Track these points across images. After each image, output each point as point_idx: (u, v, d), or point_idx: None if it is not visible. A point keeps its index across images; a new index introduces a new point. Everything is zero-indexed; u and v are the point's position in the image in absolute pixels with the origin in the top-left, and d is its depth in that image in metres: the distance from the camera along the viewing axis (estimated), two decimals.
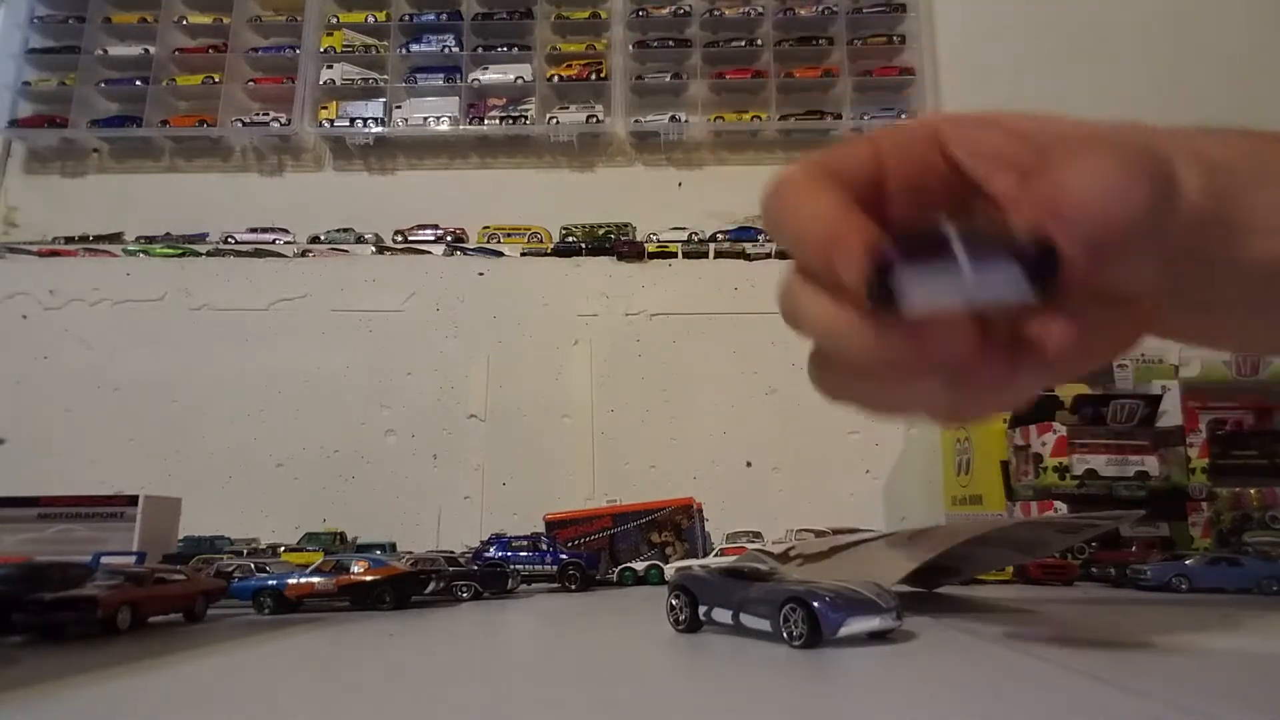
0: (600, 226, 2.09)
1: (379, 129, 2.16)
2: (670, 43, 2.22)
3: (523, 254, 2.08)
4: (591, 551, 1.48)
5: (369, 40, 2.24)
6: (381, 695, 0.46)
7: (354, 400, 1.91)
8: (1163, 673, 0.42)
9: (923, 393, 0.29)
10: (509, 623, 0.96)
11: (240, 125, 2.17)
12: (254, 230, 2.10)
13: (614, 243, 2.04)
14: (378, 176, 2.23)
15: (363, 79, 2.21)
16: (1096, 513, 1.25)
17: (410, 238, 2.10)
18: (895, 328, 0.25)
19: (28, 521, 1.23)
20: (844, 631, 0.58)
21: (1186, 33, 2.22)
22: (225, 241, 2.08)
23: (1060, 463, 1.45)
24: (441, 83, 2.21)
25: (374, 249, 2.08)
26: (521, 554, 1.35)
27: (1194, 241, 0.28)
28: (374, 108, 2.18)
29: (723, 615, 0.67)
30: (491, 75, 2.21)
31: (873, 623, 0.60)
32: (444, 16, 2.24)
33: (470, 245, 2.09)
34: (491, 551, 1.37)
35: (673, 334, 1.97)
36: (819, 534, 1.36)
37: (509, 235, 2.10)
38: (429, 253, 2.08)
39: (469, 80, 2.19)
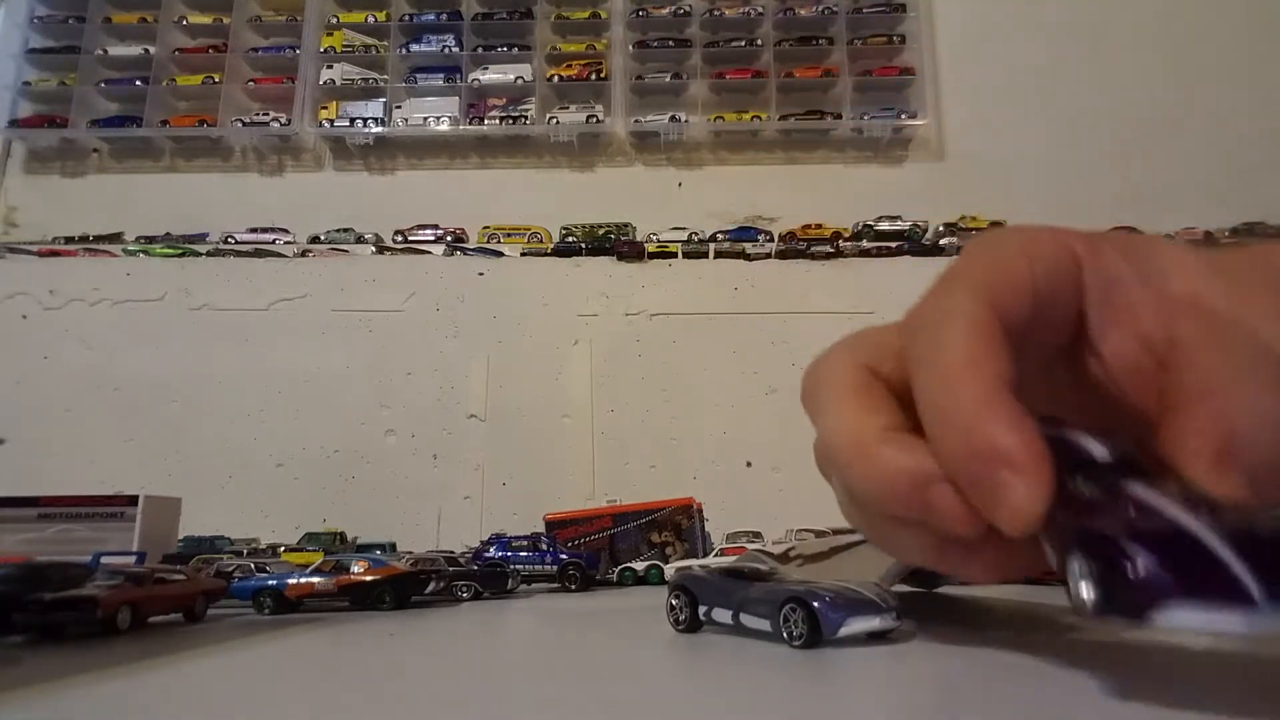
0: (600, 226, 2.09)
1: (379, 129, 2.16)
2: (670, 43, 2.22)
3: (523, 254, 2.08)
4: (591, 551, 1.48)
5: (369, 40, 2.25)
6: (381, 695, 0.46)
7: (354, 400, 1.91)
8: (1164, 673, 0.42)
9: (954, 563, 0.29)
10: (509, 623, 0.96)
11: (240, 125, 2.17)
12: (254, 230, 2.10)
13: (614, 243, 2.04)
14: (378, 176, 2.23)
15: (363, 79, 2.21)
16: None
17: (410, 238, 2.10)
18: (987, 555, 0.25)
19: (28, 521, 1.22)
20: (844, 631, 0.58)
21: (1186, 33, 2.22)
22: (225, 241, 2.08)
23: None
24: (441, 83, 2.21)
25: (374, 249, 2.08)
26: (521, 554, 1.35)
27: None
28: (374, 108, 2.18)
29: (723, 615, 0.66)
30: (491, 75, 2.21)
31: (873, 623, 0.60)
32: (444, 16, 2.24)
33: (470, 245, 2.09)
34: (491, 551, 1.37)
35: (673, 334, 1.97)
36: (819, 534, 1.36)
37: (509, 235, 2.10)
38: (429, 253, 2.08)
39: (469, 80, 2.20)
